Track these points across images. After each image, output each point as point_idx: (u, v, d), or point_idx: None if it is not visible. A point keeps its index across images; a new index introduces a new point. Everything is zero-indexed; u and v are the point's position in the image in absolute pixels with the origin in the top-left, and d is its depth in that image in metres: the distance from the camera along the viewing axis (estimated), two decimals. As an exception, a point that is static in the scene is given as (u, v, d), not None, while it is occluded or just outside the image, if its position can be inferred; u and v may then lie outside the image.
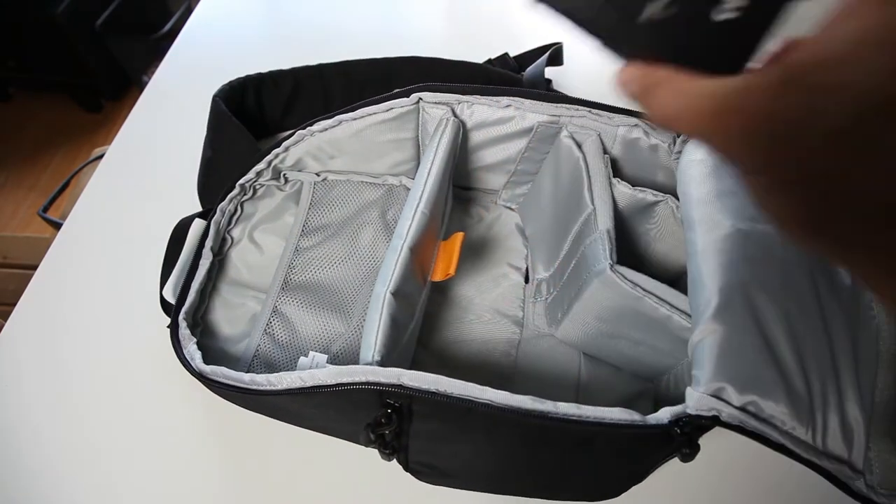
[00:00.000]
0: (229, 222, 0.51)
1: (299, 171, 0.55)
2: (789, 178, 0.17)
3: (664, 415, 0.32)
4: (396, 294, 0.39)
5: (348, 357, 0.47)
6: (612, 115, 0.47)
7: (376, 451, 0.36)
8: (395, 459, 0.38)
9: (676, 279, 0.48)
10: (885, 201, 0.15)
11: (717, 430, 0.32)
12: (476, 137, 0.51)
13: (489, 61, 0.62)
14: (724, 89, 0.17)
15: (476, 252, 0.56)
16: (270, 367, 0.47)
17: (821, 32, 0.16)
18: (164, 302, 0.45)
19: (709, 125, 0.18)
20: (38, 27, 1.38)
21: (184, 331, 0.42)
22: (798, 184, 0.16)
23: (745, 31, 0.18)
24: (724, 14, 0.18)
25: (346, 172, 0.56)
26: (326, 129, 0.50)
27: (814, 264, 0.34)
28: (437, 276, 0.45)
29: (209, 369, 0.38)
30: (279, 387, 0.36)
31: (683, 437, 0.31)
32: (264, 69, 0.56)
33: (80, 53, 1.43)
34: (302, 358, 0.47)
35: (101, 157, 0.64)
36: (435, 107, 0.48)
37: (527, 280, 0.54)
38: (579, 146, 0.48)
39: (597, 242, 0.42)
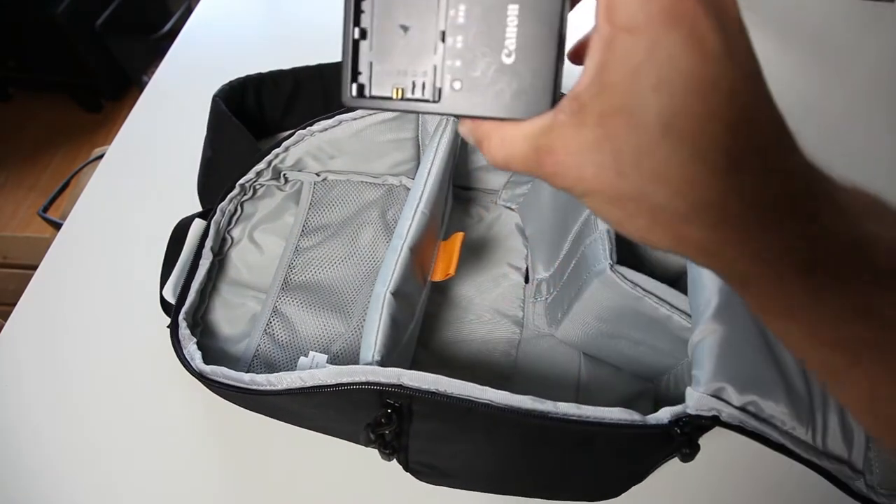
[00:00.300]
0: (229, 222, 0.51)
1: (299, 171, 0.55)
2: (607, 199, 0.18)
3: (664, 415, 0.32)
4: (396, 294, 0.39)
5: (348, 357, 0.47)
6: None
7: (376, 451, 0.36)
8: (395, 459, 0.38)
9: (676, 279, 0.48)
10: (680, 208, 0.17)
11: (717, 430, 0.32)
12: (476, 137, 0.51)
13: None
14: (535, 131, 0.19)
15: (476, 252, 0.56)
16: (270, 367, 0.47)
17: (594, 59, 0.17)
18: (164, 302, 0.45)
19: (533, 167, 0.19)
20: (38, 27, 1.38)
21: (184, 331, 0.42)
22: (616, 202, 0.18)
23: (537, 66, 0.19)
24: (508, 57, 0.19)
25: (346, 172, 0.56)
26: (326, 129, 0.50)
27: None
28: (437, 276, 0.45)
29: (209, 369, 0.38)
30: (279, 387, 0.36)
31: (683, 437, 0.31)
32: (264, 69, 0.56)
33: (80, 53, 1.43)
34: (302, 358, 0.47)
35: (101, 157, 0.64)
36: (435, 107, 0.48)
37: (527, 280, 0.54)
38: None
39: (597, 242, 0.42)
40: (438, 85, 0.20)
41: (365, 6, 0.20)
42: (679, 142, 0.17)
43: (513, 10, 0.19)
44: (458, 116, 0.21)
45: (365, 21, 0.20)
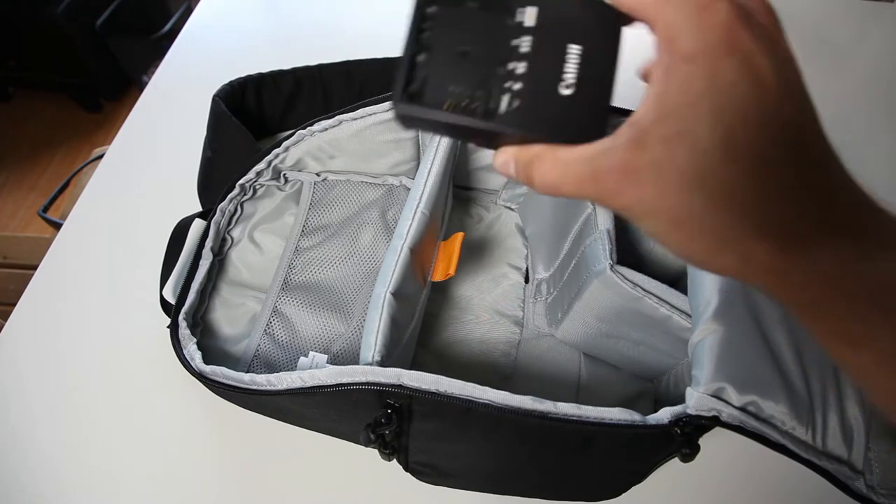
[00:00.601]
0: (229, 222, 0.51)
1: (299, 171, 0.55)
2: (669, 219, 0.19)
3: (664, 415, 0.32)
4: (396, 294, 0.39)
5: (348, 357, 0.47)
6: (613, 114, 0.47)
7: (376, 451, 0.36)
8: (395, 459, 0.38)
9: (676, 279, 0.48)
10: (746, 228, 0.18)
11: (717, 430, 0.32)
12: (476, 137, 0.51)
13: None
14: (593, 153, 0.19)
15: (476, 252, 0.56)
16: (270, 367, 0.47)
17: (655, 87, 0.18)
18: (164, 302, 0.45)
19: (589, 188, 0.19)
20: (38, 27, 1.38)
21: (184, 331, 0.42)
22: (677, 223, 0.19)
23: (593, 99, 0.20)
24: (567, 89, 0.20)
25: (346, 172, 0.56)
26: (327, 129, 0.50)
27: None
28: (437, 277, 0.45)
29: (209, 369, 0.38)
30: (279, 387, 0.36)
31: (683, 438, 0.31)
32: (264, 69, 0.56)
33: (80, 53, 1.43)
34: (302, 358, 0.47)
35: (101, 157, 0.64)
36: (435, 107, 0.48)
37: (527, 280, 0.54)
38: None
39: (597, 242, 0.42)
40: (493, 105, 0.20)
41: (427, 25, 0.21)
42: (740, 165, 0.17)
43: (574, 49, 0.20)
44: (512, 134, 0.21)
45: (426, 38, 0.21)
